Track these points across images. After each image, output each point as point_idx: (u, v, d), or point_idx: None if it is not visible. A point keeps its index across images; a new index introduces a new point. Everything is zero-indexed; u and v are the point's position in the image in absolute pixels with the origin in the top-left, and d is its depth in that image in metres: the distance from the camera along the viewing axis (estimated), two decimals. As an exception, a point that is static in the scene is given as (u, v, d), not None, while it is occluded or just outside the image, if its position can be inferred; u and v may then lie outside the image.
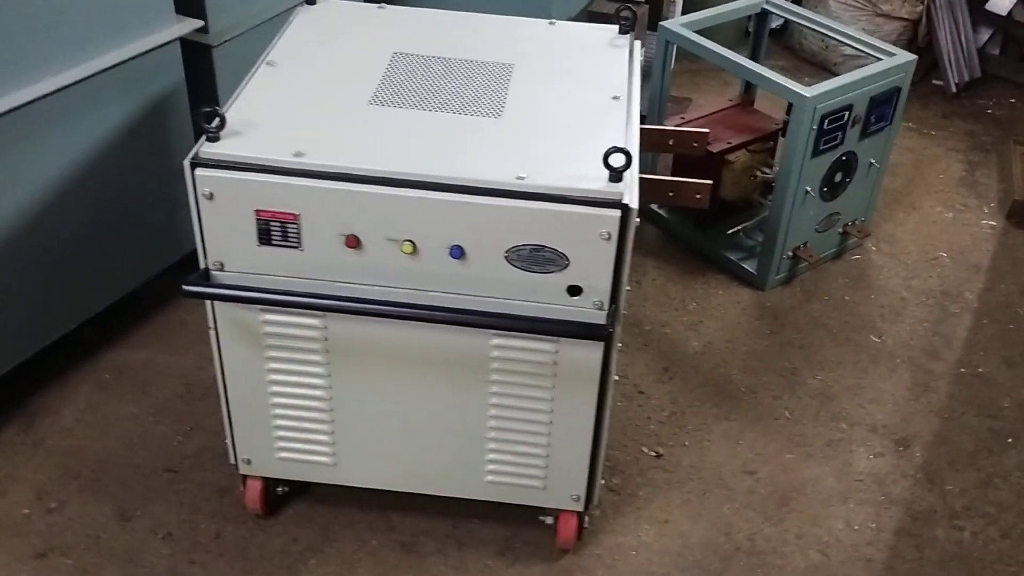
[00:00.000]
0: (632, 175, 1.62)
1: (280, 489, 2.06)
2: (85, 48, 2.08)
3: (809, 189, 2.68)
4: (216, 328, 1.79)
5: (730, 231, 2.90)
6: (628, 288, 1.70)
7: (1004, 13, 4.04)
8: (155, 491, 2.12)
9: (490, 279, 1.65)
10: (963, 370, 2.59)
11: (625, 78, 1.92)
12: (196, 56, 2.39)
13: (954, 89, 3.91)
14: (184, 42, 2.31)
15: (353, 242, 1.63)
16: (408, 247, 1.63)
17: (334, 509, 2.08)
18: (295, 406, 1.87)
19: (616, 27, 2.07)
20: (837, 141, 2.64)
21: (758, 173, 2.88)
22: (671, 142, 2.14)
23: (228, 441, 1.97)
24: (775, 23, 3.64)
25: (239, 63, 2.43)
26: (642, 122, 1.86)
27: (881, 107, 2.69)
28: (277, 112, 1.72)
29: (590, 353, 1.73)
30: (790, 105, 2.62)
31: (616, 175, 1.58)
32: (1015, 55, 4.14)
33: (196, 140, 1.65)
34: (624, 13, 2.05)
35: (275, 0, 2.48)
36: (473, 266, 1.64)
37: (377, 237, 1.63)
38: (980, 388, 2.54)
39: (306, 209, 1.62)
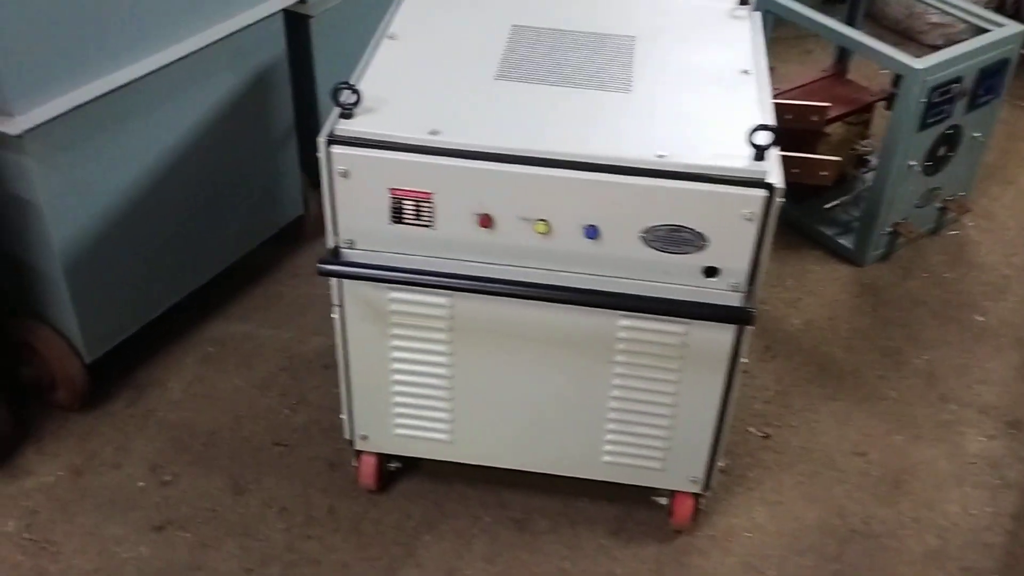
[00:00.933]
0: (775, 153, 1.58)
1: (392, 465, 2.06)
2: (192, 21, 2.06)
3: (913, 163, 2.62)
4: (342, 306, 1.78)
5: (827, 206, 2.85)
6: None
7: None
8: (266, 465, 2.13)
9: (624, 259, 1.62)
10: (1074, 350, 2.53)
11: (751, 51, 1.87)
12: (292, 26, 2.36)
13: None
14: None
15: (486, 221, 1.61)
16: (542, 227, 1.60)
17: (445, 485, 2.08)
18: (416, 383, 1.86)
19: (737, -2, 2.02)
20: (944, 115, 2.57)
21: (857, 146, 2.81)
22: (789, 116, 2.09)
23: (344, 416, 1.97)
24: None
25: (336, 34, 2.43)
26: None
27: (990, 79, 2.61)
28: (406, 88, 1.69)
29: (721, 335, 1.70)
30: (897, 77, 2.55)
31: (760, 153, 1.54)
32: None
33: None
34: (746, -15, 2.00)
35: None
36: (607, 246, 1.61)
37: (510, 216, 1.61)
38: (1093, 369, 2.48)
39: (441, 188, 1.60)
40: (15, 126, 1.76)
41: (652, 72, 1.78)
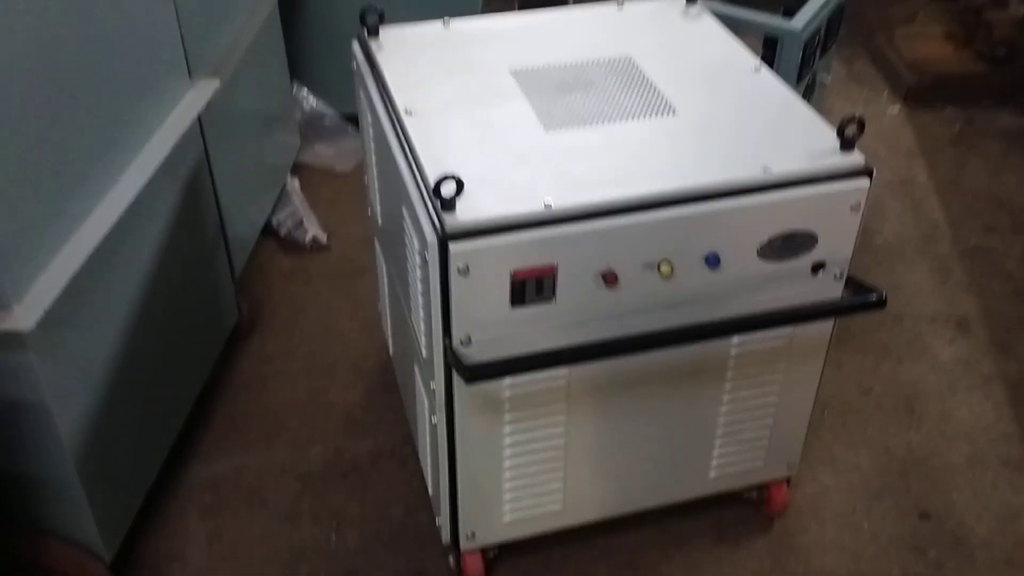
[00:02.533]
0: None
1: (491, 553, 1.93)
2: (129, 144, 1.78)
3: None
4: (450, 406, 1.63)
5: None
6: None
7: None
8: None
9: (743, 278, 1.62)
10: (961, 247, 2.84)
11: (738, 45, 1.91)
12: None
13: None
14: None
15: (611, 278, 1.54)
16: (666, 268, 1.55)
17: (543, 556, 1.98)
18: (530, 463, 1.75)
19: (682, -2, 2.05)
20: (810, 65, 2.76)
21: None
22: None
23: (441, 522, 1.82)
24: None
25: (226, 127, 2.21)
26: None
27: (833, 25, 2.84)
28: (475, 164, 1.56)
29: (824, 326, 1.75)
30: (767, 41, 2.70)
31: (849, 144, 1.59)
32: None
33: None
34: (693, -18, 2.03)
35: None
36: (728, 270, 1.60)
37: (634, 267, 1.55)
38: (983, 258, 2.80)
39: (564, 257, 1.50)
40: (21, 319, 1.44)
41: (677, 88, 1.77)
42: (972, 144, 3.31)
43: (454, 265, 1.45)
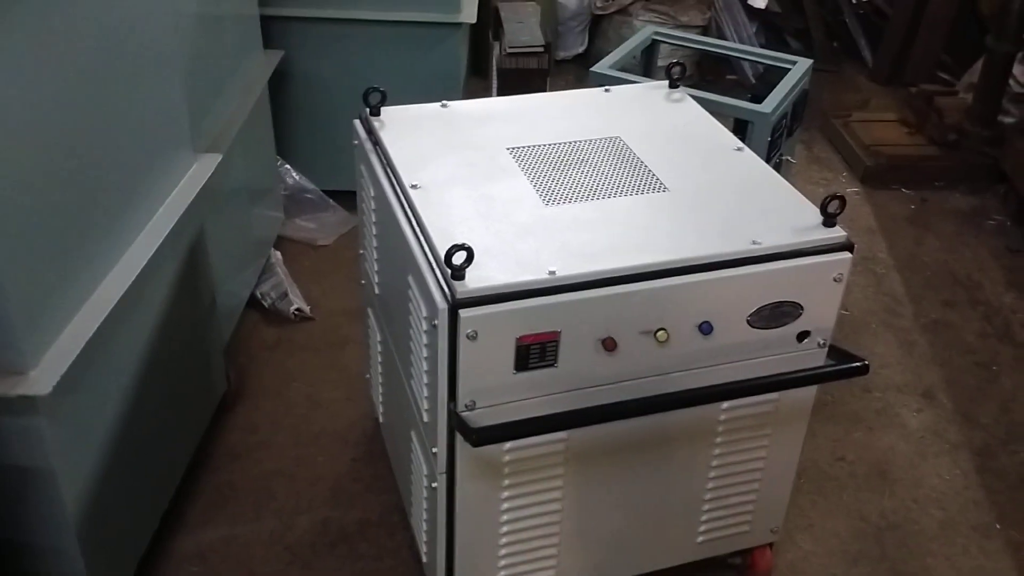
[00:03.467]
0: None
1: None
2: (140, 214, 1.83)
3: (755, 194, 2.92)
4: (452, 471, 1.67)
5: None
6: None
7: (763, 6, 4.59)
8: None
9: (734, 345, 1.70)
10: (923, 320, 2.97)
11: (718, 127, 2.02)
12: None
13: (752, 81, 4.37)
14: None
15: (611, 344, 1.61)
16: (663, 335, 1.63)
17: (532, 621, 2.00)
18: (526, 527, 1.78)
19: (665, 83, 2.16)
20: (778, 147, 2.89)
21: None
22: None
23: (437, 588, 1.84)
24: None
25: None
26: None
27: (799, 108, 2.99)
28: (480, 235, 1.63)
29: (808, 391, 1.83)
30: (738, 124, 2.83)
31: (831, 220, 1.69)
32: (774, 40, 4.71)
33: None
34: (674, 70, 2.15)
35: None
36: (720, 337, 1.67)
37: (632, 333, 1.62)
38: (945, 331, 2.92)
39: (567, 324, 1.57)
40: (37, 384, 1.46)
41: (666, 166, 1.86)
42: (927, 223, 3.47)
43: (463, 331, 1.51)
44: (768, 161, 2.81)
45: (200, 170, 2.04)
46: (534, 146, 1.91)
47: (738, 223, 1.70)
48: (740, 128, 2.82)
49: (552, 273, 1.55)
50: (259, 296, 2.82)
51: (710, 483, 1.87)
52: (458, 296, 1.50)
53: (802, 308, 1.70)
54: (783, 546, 2.19)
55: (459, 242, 1.50)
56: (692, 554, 1.98)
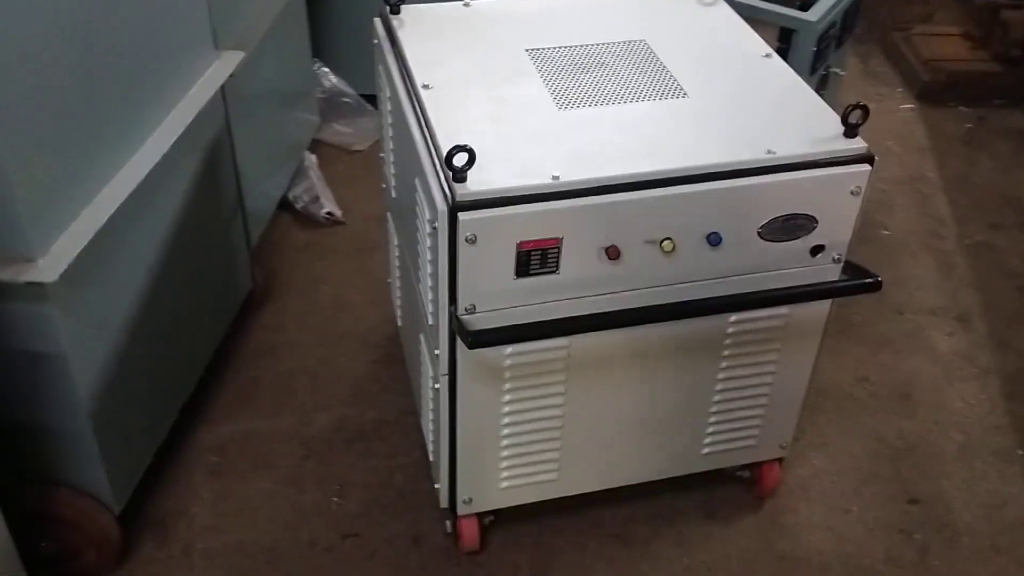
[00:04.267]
0: (856, 129, 1.69)
1: (488, 519, 1.98)
2: (156, 110, 1.83)
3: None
4: (453, 372, 1.68)
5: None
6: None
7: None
8: (347, 563, 1.97)
9: (743, 258, 1.66)
10: (966, 242, 2.88)
11: (751, 34, 1.95)
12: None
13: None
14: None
15: (614, 253, 1.59)
16: (668, 245, 1.60)
17: (535, 523, 2.03)
18: (528, 431, 1.80)
19: (696, -15, 2.09)
20: (824, 58, 2.79)
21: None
22: None
23: (439, 486, 1.88)
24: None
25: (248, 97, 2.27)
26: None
27: (849, 18, 2.87)
28: (488, 138, 1.61)
29: (821, 307, 1.79)
30: (783, 32, 2.73)
31: (853, 131, 1.63)
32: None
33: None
34: (706, -29, 2.07)
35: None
36: (729, 250, 1.64)
37: (637, 242, 1.59)
38: (988, 254, 2.83)
39: (569, 231, 1.55)
40: (45, 272, 1.50)
41: (690, 73, 1.81)
42: (983, 143, 3.34)
43: (462, 234, 1.50)
44: (812, 72, 2.73)
45: (221, 67, 2.04)
46: (555, 47, 1.87)
47: (755, 132, 1.65)
48: (785, 38, 2.73)
49: (556, 178, 1.53)
50: (291, 199, 2.84)
51: (717, 396, 1.86)
52: (458, 199, 1.49)
53: (816, 221, 1.66)
54: (794, 462, 2.18)
55: (462, 143, 1.49)
56: (697, 465, 1.98)
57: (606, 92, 1.74)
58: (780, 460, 2.07)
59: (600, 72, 1.80)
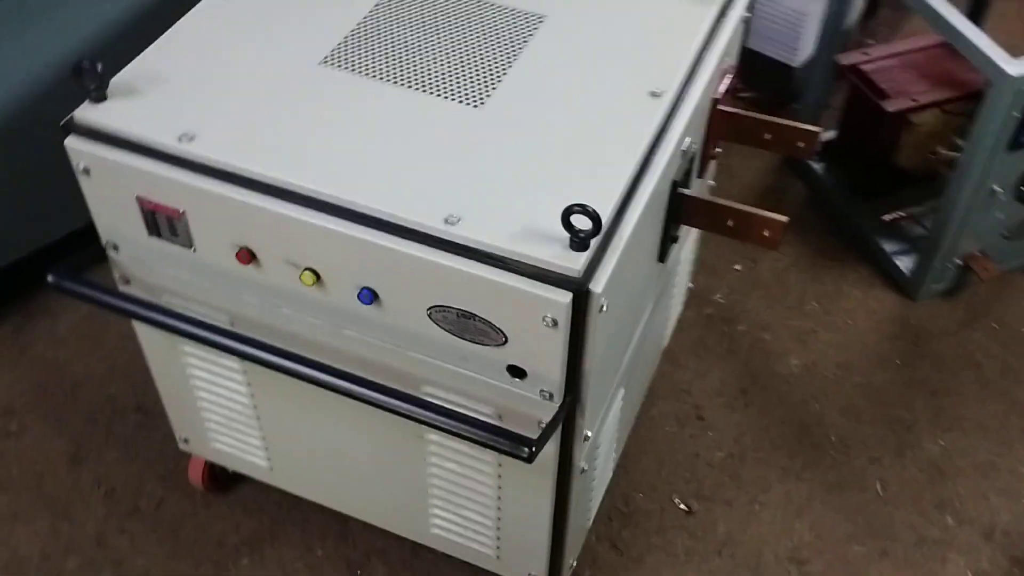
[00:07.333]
0: (620, 239, 1.15)
1: (218, 469, 1.81)
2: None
3: (998, 188, 2.02)
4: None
5: (888, 217, 2.28)
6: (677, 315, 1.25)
7: None
8: (116, 434, 1.93)
9: (411, 333, 1.25)
10: None
11: (689, 60, 1.38)
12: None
13: None
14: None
15: (246, 257, 1.27)
16: (309, 277, 1.24)
17: (291, 501, 1.81)
18: (220, 404, 1.58)
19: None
20: (1049, 134, 1.95)
21: (939, 149, 2.22)
22: (767, 136, 1.57)
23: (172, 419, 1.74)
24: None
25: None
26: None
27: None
28: (197, 67, 1.33)
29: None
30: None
31: (580, 242, 1.11)
32: None
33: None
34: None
35: None
36: (389, 315, 1.24)
37: (275, 256, 1.26)
38: None
39: (192, 207, 1.26)
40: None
41: (530, 79, 1.33)
42: None
43: (73, 161, 1.28)
44: (1017, 146, 1.94)
45: None
46: (426, -7, 1.47)
47: (470, 185, 1.19)
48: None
49: (185, 139, 1.23)
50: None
51: (432, 479, 1.48)
52: (74, 118, 1.26)
53: (505, 336, 1.18)
54: None
55: (93, 61, 1.24)
56: (431, 541, 1.62)
57: (401, 67, 1.34)
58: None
59: (434, 37, 1.39)
